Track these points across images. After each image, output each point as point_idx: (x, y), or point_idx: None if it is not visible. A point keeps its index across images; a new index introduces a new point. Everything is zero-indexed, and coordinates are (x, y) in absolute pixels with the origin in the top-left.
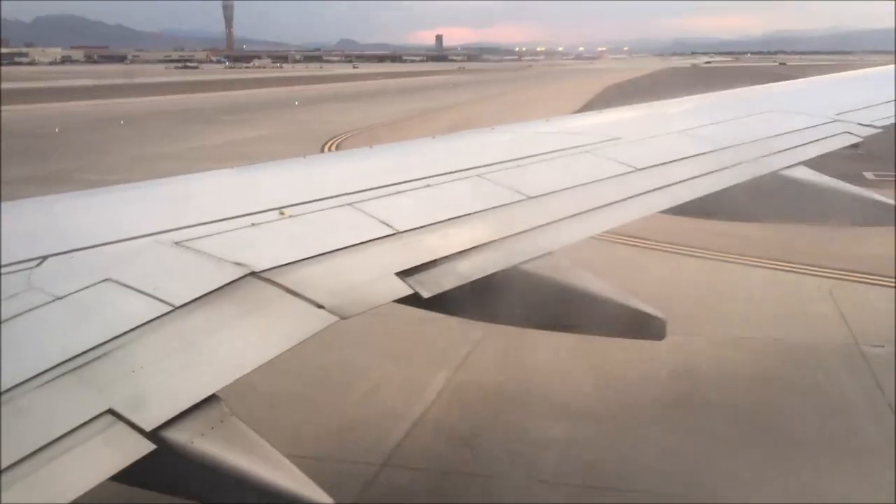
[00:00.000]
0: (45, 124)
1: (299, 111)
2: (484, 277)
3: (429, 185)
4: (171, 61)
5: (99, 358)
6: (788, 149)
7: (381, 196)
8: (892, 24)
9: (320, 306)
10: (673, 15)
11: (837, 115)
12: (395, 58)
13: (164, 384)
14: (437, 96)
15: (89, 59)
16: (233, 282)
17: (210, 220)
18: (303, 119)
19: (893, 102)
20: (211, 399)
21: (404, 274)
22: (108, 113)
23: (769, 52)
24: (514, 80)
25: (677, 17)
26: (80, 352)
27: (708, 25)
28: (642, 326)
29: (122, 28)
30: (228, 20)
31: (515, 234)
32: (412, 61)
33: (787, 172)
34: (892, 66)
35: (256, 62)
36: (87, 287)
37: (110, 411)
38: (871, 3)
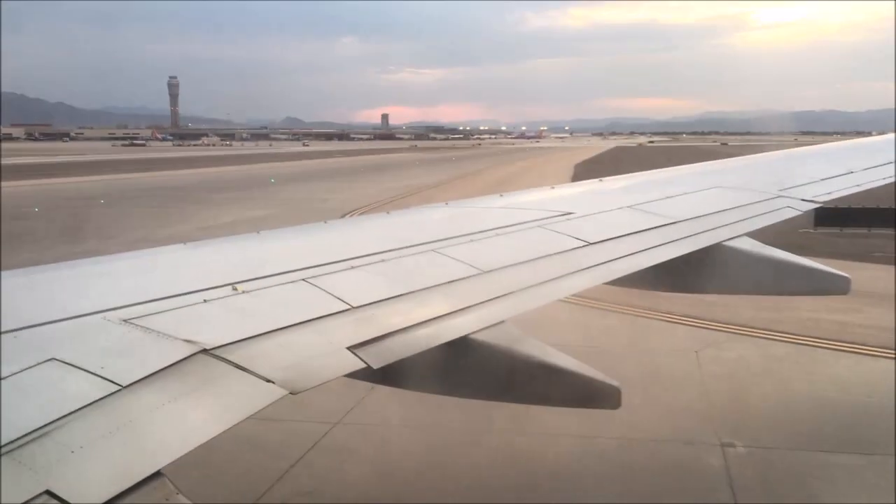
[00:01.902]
0: (20, 204)
1: (285, 189)
2: (435, 349)
3: (384, 261)
4: (116, 138)
5: (38, 439)
6: (734, 222)
7: (336, 271)
8: (810, 108)
9: (270, 381)
10: (609, 96)
11: (780, 191)
12: (342, 136)
13: (105, 463)
14: (413, 174)
15: (30, 137)
16: (183, 360)
17: (161, 296)
18: (296, 197)
19: (831, 179)
20: (156, 477)
21: (356, 348)
22: (81, 192)
23: (703, 133)
24: (475, 158)
25: (613, 97)
26: (19, 434)
27: (642, 106)
28: (597, 396)
29: (63, 105)
30: (174, 98)
31: (469, 307)
32: (360, 139)
33: (742, 247)
34: (830, 144)
35: (205, 140)
36: (31, 367)
37: (48, 492)
38: (796, 88)
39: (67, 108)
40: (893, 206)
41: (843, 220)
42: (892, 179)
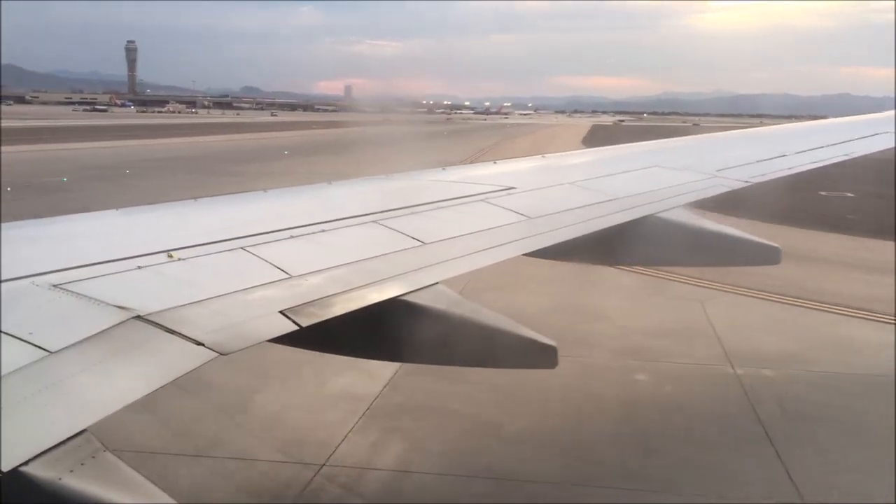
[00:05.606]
0: (38, 172)
1: (307, 162)
2: (369, 312)
3: (324, 231)
4: (74, 103)
5: None
6: (668, 198)
7: (275, 240)
8: (763, 91)
9: (200, 343)
10: (567, 73)
11: (718, 171)
12: (307, 107)
13: (27, 424)
14: (422, 148)
15: None
16: (115, 325)
17: (93, 262)
18: (330, 171)
19: (765, 161)
20: (83, 436)
21: (289, 311)
22: (93, 160)
23: (663, 113)
24: (466, 133)
25: (572, 75)
26: None
27: (602, 85)
28: (534, 355)
29: (13, 68)
30: (132, 63)
31: (406, 273)
32: (325, 111)
33: (677, 219)
34: (767, 128)
35: (170, 107)
36: None
37: None
38: (750, 71)
39: (18, 71)
40: None
41: None
42: (825, 163)
